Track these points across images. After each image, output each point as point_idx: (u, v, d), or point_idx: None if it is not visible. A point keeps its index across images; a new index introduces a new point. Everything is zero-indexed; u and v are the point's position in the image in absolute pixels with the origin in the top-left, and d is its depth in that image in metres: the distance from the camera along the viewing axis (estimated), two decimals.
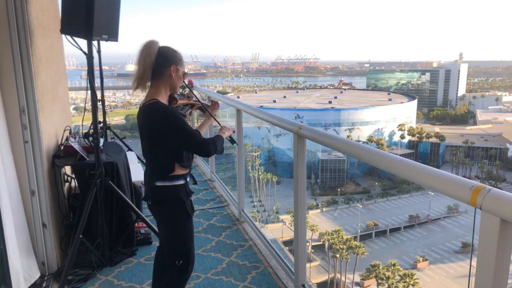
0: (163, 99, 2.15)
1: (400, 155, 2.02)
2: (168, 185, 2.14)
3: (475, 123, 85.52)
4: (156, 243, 3.59)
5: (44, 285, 2.98)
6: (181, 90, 2.47)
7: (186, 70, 2.19)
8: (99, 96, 3.22)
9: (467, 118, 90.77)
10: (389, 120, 68.26)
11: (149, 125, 2.10)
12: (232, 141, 2.44)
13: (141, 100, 2.21)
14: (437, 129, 75.87)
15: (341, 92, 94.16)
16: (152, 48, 2.07)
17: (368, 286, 35.00)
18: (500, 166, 60.45)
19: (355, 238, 40.91)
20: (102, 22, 2.96)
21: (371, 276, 33.43)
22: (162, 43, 2.10)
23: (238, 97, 74.32)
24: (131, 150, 5.00)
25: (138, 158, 4.78)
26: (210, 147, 2.16)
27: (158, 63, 2.08)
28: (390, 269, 32.65)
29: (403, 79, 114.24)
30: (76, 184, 3.46)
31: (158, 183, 2.13)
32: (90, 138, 3.16)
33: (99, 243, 3.23)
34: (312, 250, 38.87)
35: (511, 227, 1.19)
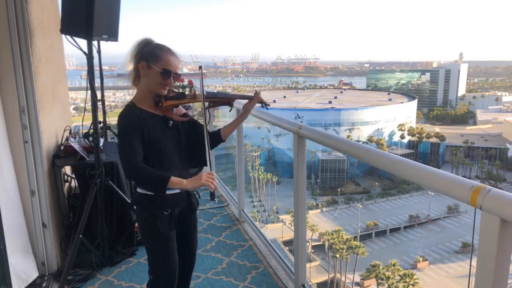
0: (142, 101, 1.94)
1: (400, 155, 2.02)
2: (141, 192, 1.96)
3: (475, 123, 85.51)
4: None
5: (44, 285, 2.98)
6: (187, 90, 2.30)
7: (170, 69, 1.90)
8: (99, 96, 3.21)
9: (467, 118, 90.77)
10: (389, 120, 68.24)
11: None
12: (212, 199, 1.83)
13: None
14: (437, 129, 75.87)
15: (341, 92, 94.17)
16: (135, 44, 1.96)
17: (368, 286, 34.99)
18: (500, 166, 60.44)
19: (355, 238, 40.89)
20: (102, 22, 2.96)
21: (371, 276, 33.42)
22: (162, 42, 2.01)
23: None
24: None
25: None
26: (138, 175, 1.84)
27: (133, 60, 1.94)
28: (390, 269, 32.65)
29: (403, 79, 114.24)
30: (76, 184, 3.46)
31: (139, 189, 1.98)
32: (90, 138, 3.16)
33: (99, 243, 3.23)
34: (312, 250, 38.86)
35: (511, 227, 1.19)
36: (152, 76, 1.89)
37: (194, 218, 2.19)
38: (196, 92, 2.07)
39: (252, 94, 2.24)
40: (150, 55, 1.89)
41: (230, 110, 2.24)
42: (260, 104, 2.28)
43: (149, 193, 1.94)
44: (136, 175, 1.87)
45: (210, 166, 1.85)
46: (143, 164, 1.84)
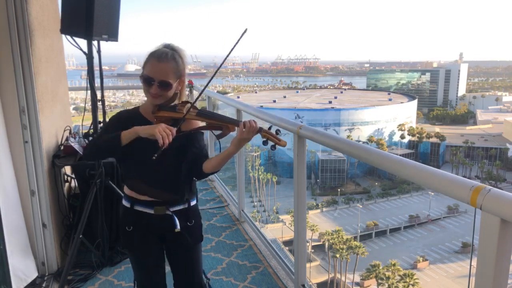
0: (145, 106, 1.87)
1: (400, 155, 2.02)
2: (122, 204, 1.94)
3: (475, 123, 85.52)
4: None
5: (44, 285, 2.98)
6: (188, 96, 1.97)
7: (149, 75, 1.74)
8: (99, 96, 3.21)
9: (467, 118, 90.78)
10: (389, 120, 68.26)
11: None
12: (153, 153, 1.61)
13: None
14: (437, 129, 75.89)
15: (341, 92, 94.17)
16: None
17: (368, 286, 35.00)
18: (500, 166, 60.45)
19: (355, 238, 40.90)
20: (102, 22, 2.96)
21: (371, 276, 33.44)
22: (163, 42, 1.96)
23: (238, 97, 74.27)
24: None
25: None
26: (92, 145, 1.88)
27: None
28: (390, 269, 32.66)
29: (403, 79, 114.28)
30: (76, 184, 3.46)
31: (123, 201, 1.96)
32: (90, 138, 3.16)
33: (99, 243, 3.23)
34: (312, 250, 38.86)
35: (511, 227, 1.19)
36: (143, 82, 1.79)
37: (188, 256, 1.97)
38: (187, 105, 1.78)
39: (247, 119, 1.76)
40: (144, 61, 1.81)
41: (218, 138, 1.79)
42: (264, 141, 1.72)
43: (124, 205, 1.90)
44: (90, 146, 1.88)
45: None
46: (101, 137, 1.84)
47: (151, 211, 1.85)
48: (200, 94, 1.98)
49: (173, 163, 1.82)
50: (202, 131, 1.85)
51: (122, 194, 1.95)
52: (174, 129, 1.64)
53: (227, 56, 1.73)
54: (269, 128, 1.73)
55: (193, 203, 1.96)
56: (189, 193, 1.92)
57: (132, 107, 1.97)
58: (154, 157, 1.58)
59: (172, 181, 1.85)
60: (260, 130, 1.70)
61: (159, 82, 1.75)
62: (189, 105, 1.78)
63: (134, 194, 1.87)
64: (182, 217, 1.88)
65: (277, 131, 1.74)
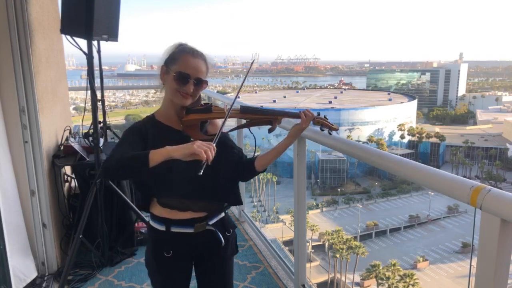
0: (162, 112, 1.66)
1: (400, 155, 2.02)
2: (149, 221, 1.71)
3: (475, 123, 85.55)
4: None
5: (44, 285, 2.98)
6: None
7: (187, 71, 1.57)
8: (99, 96, 3.21)
9: (467, 118, 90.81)
10: (389, 120, 68.31)
11: None
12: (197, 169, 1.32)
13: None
14: (437, 129, 75.92)
15: (341, 92, 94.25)
16: (167, 47, 1.70)
17: (368, 286, 35.00)
18: (500, 166, 60.48)
19: (355, 238, 40.89)
20: (102, 22, 2.96)
21: (371, 276, 33.44)
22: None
23: (238, 97, 74.08)
24: None
25: None
26: (112, 160, 1.42)
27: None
28: (390, 269, 32.67)
29: (403, 79, 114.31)
30: (76, 184, 3.46)
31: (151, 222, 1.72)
32: (90, 138, 3.16)
33: (99, 243, 3.23)
34: (312, 250, 38.86)
35: (511, 227, 1.19)
36: (169, 81, 1.60)
37: (222, 270, 1.80)
38: (227, 106, 1.64)
39: (294, 109, 1.79)
40: (170, 57, 1.62)
41: (270, 131, 1.73)
42: (319, 127, 1.78)
43: (152, 224, 1.69)
44: (113, 162, 1.41)
45: (215, 139, 1.42)
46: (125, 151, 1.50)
47: (191, 230, 1.65)
48: (239, 89, 1.97)
49: (217, 168, 1.52)
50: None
51: (147, 217, 1.70)
52: (213, 144, 1.38)
53: (242, 84, 1.82)
54: (318, 115, 1.74)
55: (226, 210, 1.80)
56: (234, 198, 1.75)
57: (137, 114, 1.69)
58: (200, 173, 1.29)
59: (217, 188, 1.68)
60: (313, 118, 1.72)
61: (196, 79, 1.59)
62: (226, 104, 1.70)
63: (168, 214, 1.64)
64: (220, 228, 1.72)
65: (325, 117, 1.77)
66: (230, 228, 1.79)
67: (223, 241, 1.69)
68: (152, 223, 1.70)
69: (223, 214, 1.77)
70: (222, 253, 1.73)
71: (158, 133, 1.60)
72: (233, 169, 1.71)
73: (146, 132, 1.59)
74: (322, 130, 1.79)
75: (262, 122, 1.69)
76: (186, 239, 1.66)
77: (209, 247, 1.71)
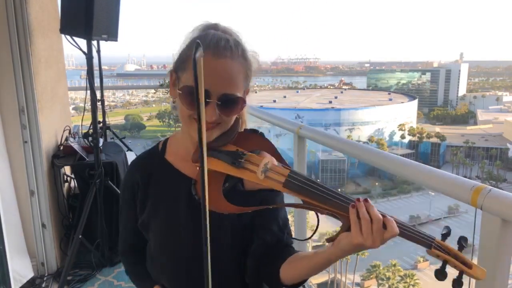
0: (177, 144, 1.14)
1: (400, 155, 2.02)
2: None
3: (475, 123, 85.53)
4: None
5: (43, 285, 2.98)
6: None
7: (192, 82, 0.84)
8: (98, 96, 3.21)
9: (468, 118, 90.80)
10: (390, 120, 68.30)
11: None
12: None
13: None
14: (437, 129, 75.92)
15: (342, 92, 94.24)
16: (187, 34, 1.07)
17: (369, 286, 35.01)
18: (501, 166, 60.49)
19: None
20: (101, 22, 2.95)
21: (371, 276, 33.47)
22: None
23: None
24: (130, 150, 4.99)
25: None
26: (125, 266, 1.26)
27: None
28: (390, 270, 32.70)
29: (403, 79, 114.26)
30: (76, 184, 3.46)
31: None
32: (90, 138, 3.15)
33: (99, 244, 3.23)
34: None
35: (511, 227, 1.19)
36: (179, 100, 1.00)
37: None
38: (268, 165, 0.91)
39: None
40: (180, 57, 1.03)
41: (329, 241, 1.01)
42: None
43: None
44: (129, 271, 1.26)
45: None
46: (133, 251, 1.25)
47: None
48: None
49: (235, 253, 1.08)
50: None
51: None
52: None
53: None
54: (444, 237, 0.93)
55: None
56: None
57: (148, 146, 1.25)
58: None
59: (234, 284, 1.12)
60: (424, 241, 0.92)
61: (221, 98, 0.94)
62: (266, 159, 0.91)
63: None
64: None
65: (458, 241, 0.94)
66: None
67: None
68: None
69: None
70: None
71: (162, 179, 1.12)
72: (256, 261, 1.08)
73: (132, 192, 1.17)
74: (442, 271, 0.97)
75: (317, 209, 1.01)
76: None
77: None
